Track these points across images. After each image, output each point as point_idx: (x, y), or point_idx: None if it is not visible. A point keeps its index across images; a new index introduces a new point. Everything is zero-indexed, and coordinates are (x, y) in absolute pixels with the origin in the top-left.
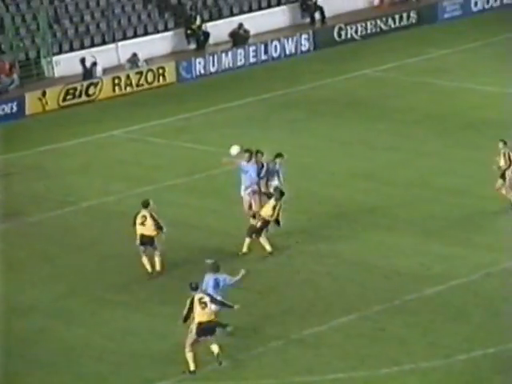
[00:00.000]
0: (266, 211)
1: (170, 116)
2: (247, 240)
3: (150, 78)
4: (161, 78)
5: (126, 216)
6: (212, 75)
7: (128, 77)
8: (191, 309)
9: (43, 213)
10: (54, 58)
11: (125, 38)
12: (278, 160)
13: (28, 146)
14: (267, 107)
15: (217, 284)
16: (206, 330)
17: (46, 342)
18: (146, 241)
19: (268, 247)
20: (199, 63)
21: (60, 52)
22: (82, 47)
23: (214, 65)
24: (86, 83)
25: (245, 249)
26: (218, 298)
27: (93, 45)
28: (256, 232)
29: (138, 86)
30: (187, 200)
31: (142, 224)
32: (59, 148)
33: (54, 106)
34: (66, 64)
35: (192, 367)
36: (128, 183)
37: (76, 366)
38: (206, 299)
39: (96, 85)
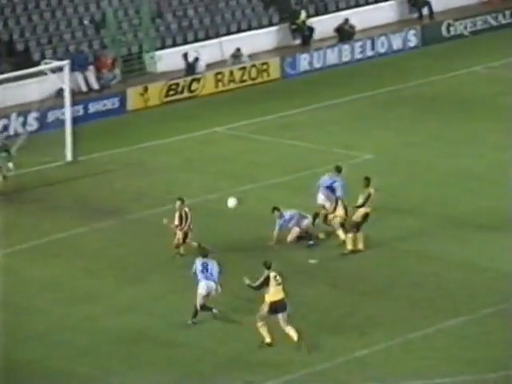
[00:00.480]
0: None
1: (273, 113)
2: (349, 236)
3: (253, 73)
4: (265, 73)
5: (228, 214)
6: (317, 71)
7: (231, 72)
8: (264, 284)
9: (144, 210)
10: (157, 53)
11: (228, 33)
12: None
13: (129, 142)
14: (373, 104)
15: (205, 269)
16: (278, 307)
17: (147, 341)
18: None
19: (350, 246)
20: (304, 59)
21: (163, 47)
22: (185, 42)
23: (319, 61)
24: (188, 79)
25: (349, 246)
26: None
27: (196, 40)
28: (356, 227)
29: (241, 81)
30: (291, 198)
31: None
32: (161, 144)
33: (155, 101)
34: (168, 59)
35: (268, 339)
36: (230, 181)
37: (177, 366)
38: (279, 279)
39: (199, 80)
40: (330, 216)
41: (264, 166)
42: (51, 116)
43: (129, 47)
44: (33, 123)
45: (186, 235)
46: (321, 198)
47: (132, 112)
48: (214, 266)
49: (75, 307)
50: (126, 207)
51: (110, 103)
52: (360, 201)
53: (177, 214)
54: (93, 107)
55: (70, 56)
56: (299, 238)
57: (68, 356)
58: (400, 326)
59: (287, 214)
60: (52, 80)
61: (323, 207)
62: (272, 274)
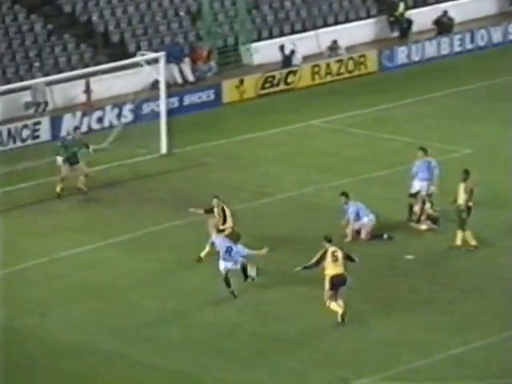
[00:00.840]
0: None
1: (370, 106)
2: (459, 233)
3: (350, 66)
4: (362, 66)
5: (323, 208)
6: (415, 64)
7: (328, 65)
8: (321, 259)
9: (238, 203)
10: (253, 45)
11: (325, 25)
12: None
13: (225, 134)
14: (471, 98)
15: (228, 252)
16: (338, 282)
17: (240, 335)
18: None
19: (459, 241)
20: (402, 52)
21: (259, 39)
22: (282, 34)
23: (417, 53)
24: (284, 71)
25: (458, 242)
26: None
27: (292, 32)
28: (464, 224)
29: (338, 74)
30: (387, 193)
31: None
32: (256, 137)
33: (251, 94)
34: (264, 51)
35: (340, 312)
36: (326, 175)
37: (271, 362)
38: (339, 254)
39: (295, 73)
40: (427, 210)
41: (360, 159)
42: (146, 108)
43: (225, 39)
44: (128, 115)
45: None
46: (417, 185)
47: (227, 104)
48: (238, 251)
49: (169, 301)
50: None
51: (206, 95)
52: (462, 196)
53: (216, 211)
54: (188, 99)
55: (165, 48)
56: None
57: (161, 350)
58: (497, 323)
59: (352, 204)
60: (147, 72)
61: (425, 195)
62: (331, 249)
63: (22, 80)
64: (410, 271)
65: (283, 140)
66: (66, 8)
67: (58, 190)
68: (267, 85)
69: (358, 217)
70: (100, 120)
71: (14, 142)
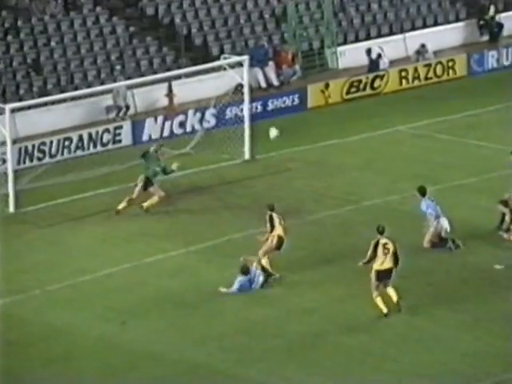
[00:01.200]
0: None
1: (458, 112)
2: None
3: (438, 70)
4: (450, 71)
5: (409, 216)
6: (505, 69)
7: (415, 69)
8: (373, 251)
9: (323, 210)
10: (339, 49)
11: (413, 28)
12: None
13: (309, 140)
14: None
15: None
16: (382, 276)
17: (324, 346)
18: None
19: None
20: (492, 56)
21: (345, 42)
22: (368, 37)
23: (507, 58)
24: (371, 76)
25: None
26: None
27: (379, 35)
28: None
29: (426, 79)
30: (477, 201)
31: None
32: (342, 143)
33: (336, 98)
34: (350, 55)
35: (384, 310)
36: (413, 182)
37: (355, 374)
38: (390, 247)
39: (382, 77)
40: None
41: (448, 166)
42: (229, 113)
43: (310, 42)
44: (210, 120)
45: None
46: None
47: (312, 109)
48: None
49: (251, 310)
50: (304, 207)
51: (290, 100)
52: None
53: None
54: (272, 104)
55: (249, 51)
56: (434, 243)
57: (243, 360)
58: None
59: (430, 203)
60: (231, 75)
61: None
62: (382, 241)
63: (103, 83)
64: (500, 281)
65: (369, 146)
66: (148, 10)
67: (119, 207)
68: (353, 89)
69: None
70: (182, 124)
71: (95, 146)
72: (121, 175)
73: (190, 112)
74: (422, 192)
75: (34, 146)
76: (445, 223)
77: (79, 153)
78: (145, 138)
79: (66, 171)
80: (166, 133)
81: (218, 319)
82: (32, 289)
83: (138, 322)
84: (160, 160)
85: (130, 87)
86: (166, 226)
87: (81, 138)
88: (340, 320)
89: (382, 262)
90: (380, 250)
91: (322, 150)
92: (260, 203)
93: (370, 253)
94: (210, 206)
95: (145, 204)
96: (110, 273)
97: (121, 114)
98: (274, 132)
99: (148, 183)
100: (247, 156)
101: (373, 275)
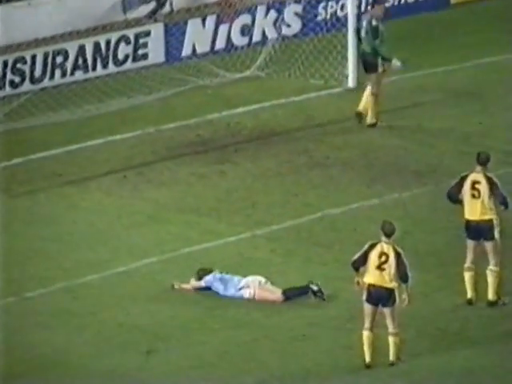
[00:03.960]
0: None
1: None
2: None
3: None
4: None
5: None
6: None
7: None
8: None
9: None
10: None
11: None
12: None
13: (454, 56)
14: None
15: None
16: (372, 295)
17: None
18: None
19: None
20: None
21: None
22: None
23: None
24: None
25: None
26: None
27: None
28: None
29: None
30: None
31: None
32: (503, 62)
33: None
34: None
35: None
36: None
37: None
38: (391, 259)
39: None
40: None
41: None
42: (322, 11)
43: None
44: (292, 22)
45: None
46: None
47: (457, 6)
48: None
49: None
50: (445, 167)
51: None
52: None
53: None
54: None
55: None
56: None
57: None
58: None
59: None
60: None
61: None
62: (383, 246)
63: None
64: None
65: None
66: None
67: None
68: None
69: None
70: (246, 30)
71: (105, 64)
72: (146, 112)
73: (260, 10)
74: None
75: (5, 64)
76: None
77: (79, 75)
78: (185, 51)
79: (58, 105)
80: (219, 43)
81: None
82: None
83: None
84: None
85: None
86: (218, 194)
87: (82, 52)
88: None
89: (369, 276)
90: (373, 261)
91: (474, 73)
92: (372, 159)
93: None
94: (290, 163)
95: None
96: (127, 271)
97: (148, 11)
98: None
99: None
100: (351, 83)
101: (361, 288)
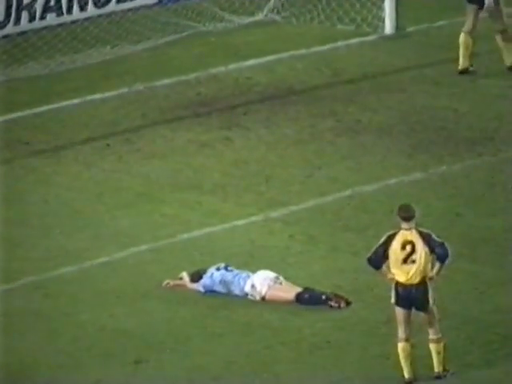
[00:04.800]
0: None
1: None
2: None
3: None
4: None
5: None
6: None
7: None
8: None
9: None
10: None
11: None
12: None
13: None
14: None
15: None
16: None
17: None
18: None
19: None
20: None
21: None
22: None
23: None
24: None
25: None
26: None
27: None
28: None
29: None
30: None
31: None
32: None
33: None
34: None
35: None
36: None
37: None
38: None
39: None
40: None
41: None
42: None
43: None
44: None
45: None
46: None
47: None
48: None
49: None
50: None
51: None
52: None
53: None
54: None
55: None
56: None
57: None
58: None
59: None
60: None
61: None
62: (404, 234)
63: None
64: None
65: None
66: None
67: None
68: None
69: None
70: None
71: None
72: (134, 64)
73: None
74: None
75: None
76: None
77: (51, 19)
78: None
79: (24, 57)
80: None
81: None
82: None
83: None
84: None
85: None
86: (223, 167)
87: None
88: None
89: (399, 274)
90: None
91: None
92: (414, 123)
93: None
94: (312, 129)
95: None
96: (111, 262)
97: None
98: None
99: None
100: (389, 28)
101: (392, 294)
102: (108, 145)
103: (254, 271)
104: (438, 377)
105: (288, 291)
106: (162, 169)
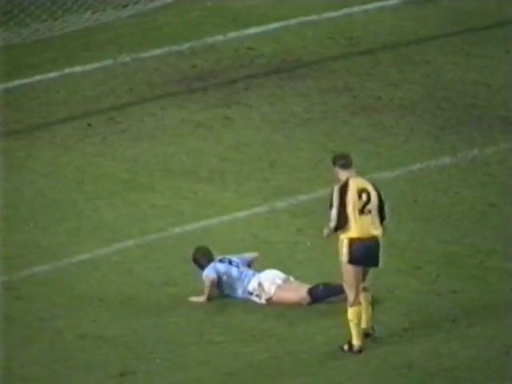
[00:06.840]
0: None
1: None
2: None
3: None
4: None
5: None
6: None
7: None
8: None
9: None
10: None
11: None
12: None
13: None
14: None
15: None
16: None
17: None
18: None
19: None
20: None
21: None
22: None
23: None
24: None
25: None
26: None
27: None
28: None
29: None
30: None
31: None
32: None
33: None
34: None
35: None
36: None
37: None
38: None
39: None
40: None
41: None
42: None
43: None
44: None
45: None
46: None
47: None
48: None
49: None
50: None
51: None
52: None
53: None
54: None
55: None
56: None
57: None
58: None
59: None
60: None
61: None
62: (356, 181)
63: None
64: None
65: None
66: None
67: None
68: None
69: None
70: None
71: None
72: (119, 32)
73: None
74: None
75: None
76: None
77: None
78: None
79: (15, 15)
80: None
81: None
82: None
83: None
84: None
85: None
86: (222, 151)
87: None
88: None
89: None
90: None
91: None
92: (441, 100)
93: (334, 212)
94: (324, 106)
95: None
96: (92, 259)
97: None
98: None
99: None
100: None
101: (344, 252)
102: (89, 124)
103: (258, 270)
104: (368, 334)
105: (298, 290)
106: (151, 152)
